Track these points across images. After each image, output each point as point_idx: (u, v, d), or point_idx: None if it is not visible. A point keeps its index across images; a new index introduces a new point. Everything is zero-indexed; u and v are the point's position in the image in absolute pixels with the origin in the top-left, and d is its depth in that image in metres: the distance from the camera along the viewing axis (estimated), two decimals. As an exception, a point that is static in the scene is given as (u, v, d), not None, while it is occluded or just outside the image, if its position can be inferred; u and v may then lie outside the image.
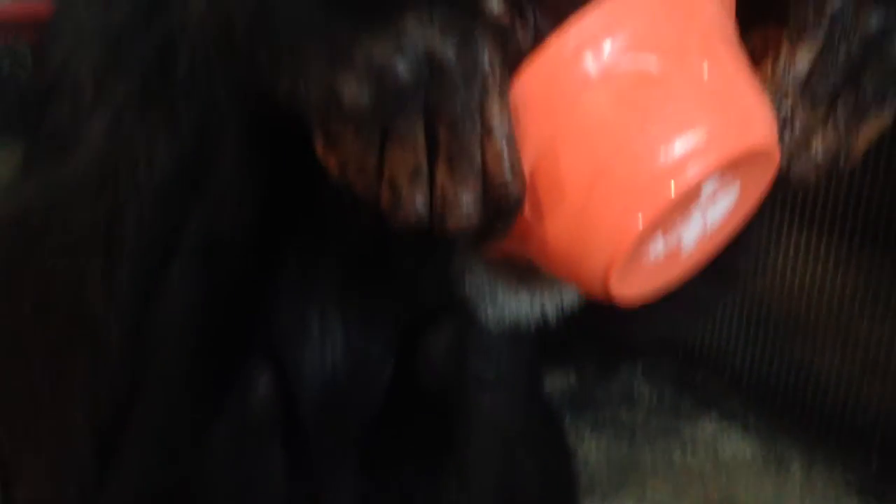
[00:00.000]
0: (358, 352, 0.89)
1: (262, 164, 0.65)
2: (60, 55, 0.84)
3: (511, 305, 0.73)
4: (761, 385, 1.82)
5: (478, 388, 0.94)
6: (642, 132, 0.54)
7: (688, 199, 0.56)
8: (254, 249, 0.70)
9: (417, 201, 0.53)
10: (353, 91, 0.51)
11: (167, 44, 0.64)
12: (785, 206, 1.68)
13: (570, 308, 0.74)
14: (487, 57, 0.52)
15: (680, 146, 0.54)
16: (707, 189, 0.57)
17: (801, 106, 0.62)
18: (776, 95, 0.62)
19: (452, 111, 0.52)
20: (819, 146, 0.63)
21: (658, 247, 0.58)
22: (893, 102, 0.63)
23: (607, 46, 0.55)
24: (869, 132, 0.65)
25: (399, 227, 0.55)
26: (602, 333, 1.00)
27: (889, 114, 0.64)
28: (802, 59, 0.62)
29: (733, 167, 0.56)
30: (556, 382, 1.81)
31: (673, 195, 0.54)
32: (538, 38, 0.57)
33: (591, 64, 0.55)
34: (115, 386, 0.73)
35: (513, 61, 0.55)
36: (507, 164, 0.53)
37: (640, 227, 0.54)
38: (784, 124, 0.62)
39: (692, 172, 0.54)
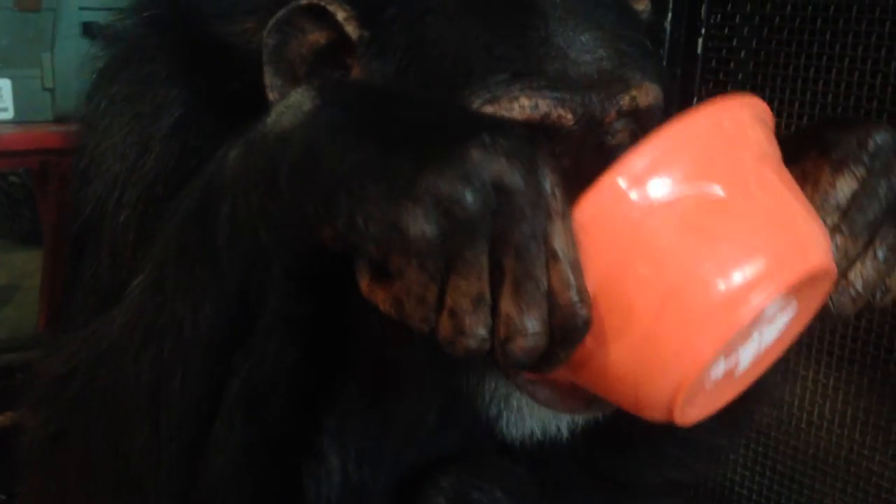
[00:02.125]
0: (355, 486, 0.86)
1: (303, 307, 0.64)
2: (92, 202, 0.84)
3: (532, 415, 0.73)
4: (770, 519, 1.76)
5: None
6: (711, 257, 0.55)
7: (754, 323, 0.57)
8: (293, 395, 0.68)
9: (480, 329, 0.52)
10: (420, 225, 0.50)
11: (205, 198, 0.64)
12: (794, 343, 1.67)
13: (588, 425, 0.74)
14: (550, 183, 0.52)
15: (748, 271, 0.54)
16: (769, 311, 0.57)
17: (840, 235, 0.62)
18: None
19: (519, 238, 0.51)
20: (858, 278, 0.64)
21: (719, 369, 0.59)
22: None
23: (669, 174, 0.56)
24: None
25: (457, 355, 0.54)
26: (607, 474, 0.98)
27: None
28: (843, 189, 0.63)
29: (796, 289, 0.57)
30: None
31: (744, 321, 0.55)
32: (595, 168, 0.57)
33: (654, 191, 0.56)
34: None
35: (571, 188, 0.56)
36: (574, 288, 0.53)
37: (712, 353, 0.55)
38: None
39: (760, 297, 0.54)
